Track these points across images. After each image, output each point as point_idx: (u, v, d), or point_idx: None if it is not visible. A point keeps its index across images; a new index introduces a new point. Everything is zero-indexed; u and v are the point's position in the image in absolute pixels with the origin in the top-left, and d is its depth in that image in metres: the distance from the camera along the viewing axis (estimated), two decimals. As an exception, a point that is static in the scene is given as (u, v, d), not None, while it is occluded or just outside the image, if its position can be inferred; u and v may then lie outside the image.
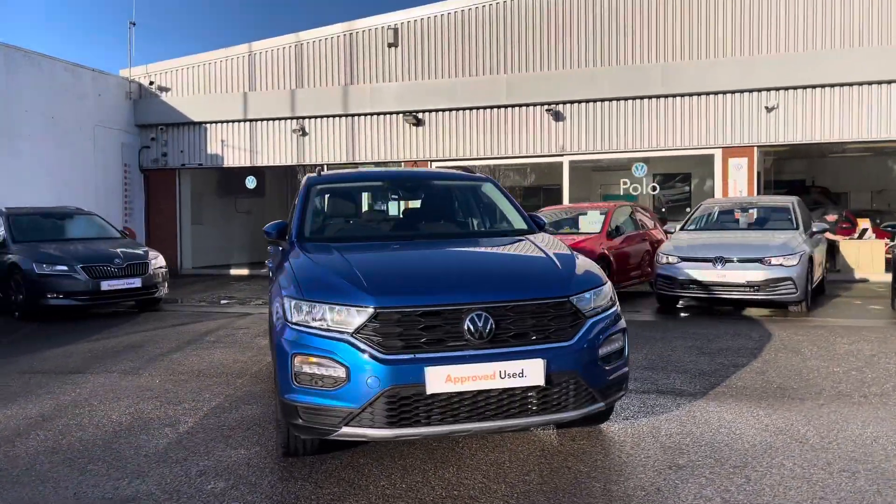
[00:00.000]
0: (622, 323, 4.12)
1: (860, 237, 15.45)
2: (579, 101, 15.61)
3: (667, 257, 10.04)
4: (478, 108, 16.26)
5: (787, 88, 14.43)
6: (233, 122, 17.93)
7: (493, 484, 3.73)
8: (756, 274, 9.34)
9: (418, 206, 5.94)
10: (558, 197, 16.46)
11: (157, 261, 11.28)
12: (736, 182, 14.81)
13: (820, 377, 5.91)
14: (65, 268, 10.26)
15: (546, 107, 15.72)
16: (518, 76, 15.98)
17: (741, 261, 9.47)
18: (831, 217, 16.30)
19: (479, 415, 3.61)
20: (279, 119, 17.59)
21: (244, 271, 18.58)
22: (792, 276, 9.26)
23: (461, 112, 16.38)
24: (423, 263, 4.34)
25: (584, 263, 4.29)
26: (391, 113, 16.79)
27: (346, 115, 17.12)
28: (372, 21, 17.03)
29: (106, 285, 10.42)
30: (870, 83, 14.04)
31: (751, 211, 11.26)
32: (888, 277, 13.97)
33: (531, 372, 3.60)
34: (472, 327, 3.61)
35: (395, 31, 16.75)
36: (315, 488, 3.70)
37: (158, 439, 4.60)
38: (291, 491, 3.68)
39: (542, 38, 15.95)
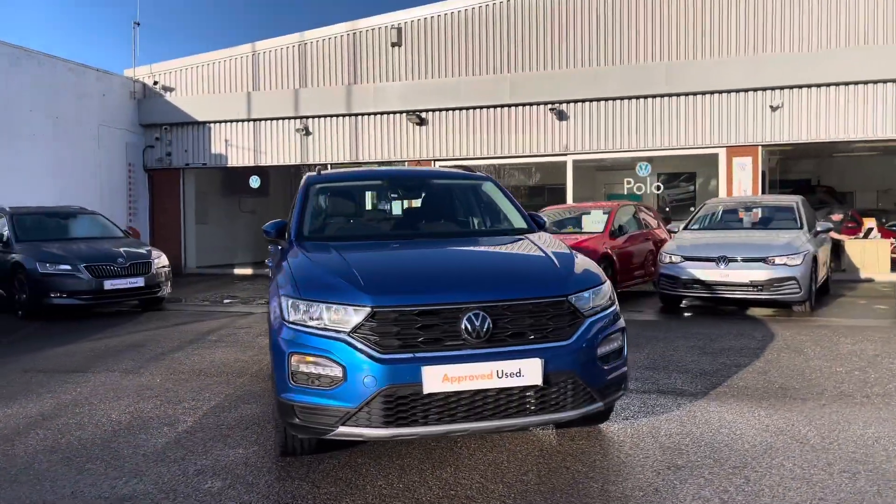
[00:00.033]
0: (621, 322, 4.10)
1: (865, 236, 15.38)
2: (583, 101, 15.57)
3: (670, 257, 10.00)
4: (481, 108, 16.23)
5: (791, 87, 14.36)
6: (237, 121, 17.95)
7: (491, 484, 3.71)
8: (759, 274, 9.30)
9: (418, 205, 5.92)
10: (563, 196, 16.42)
11: (160, 260, 11.30)
12: (740, 181, 14.75)
13: (822, 377, 5.87)
14: (68, 267, 10.28)
15: (550, 106, 15.69)
16: (521, 75, 15.95)
17: (745, 260, 9.43)
18: (836, 216, 16.25)
19: (477, 415, 3.60)
20: (283, 119, 17.61)
21: (248, 271, 18.60)
22: (796, 276, 9.21)
23: (465, 111, 16.36)
24: (421, 262, 4.33)
25: (582, 262, 4.27)
26: (395, 112, 16.78)
27: (350, 115, 17.12)
28: (375, 20, 17.02)
29: (109, 285, 10.44)
30: (875, 82, 13.96)
31: (755, 210, 11.20)
32: (893, 277, 13.97)
33: (529, 371, 3.58)
34: (469, 326, 3.59)
35: (399, 30, 16.74)
36: (312, 488, 3.69)
37: (157, 438, 4.60)
38: (288, 490, 3.67)
39: (545, 37, 15.92)
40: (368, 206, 6.20)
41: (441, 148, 16.57)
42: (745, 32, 14.80)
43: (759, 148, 14.71)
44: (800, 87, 14.32)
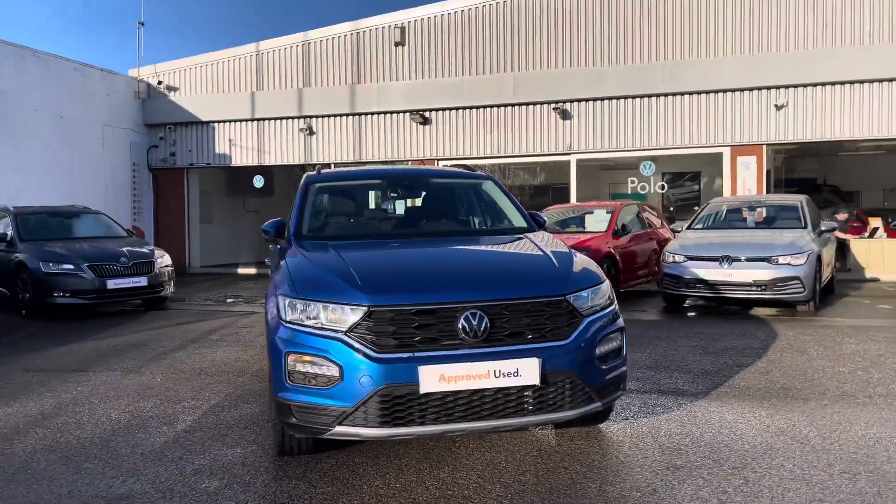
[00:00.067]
0: (620, 322, 4.08)
1: (871, 236, 15.30)
2: (586, 100, 15.53)
3: (673, 256, 9.96)
4: (484, 107, 16.21)
5: (796, 86, 14.29)
6: (240, 121, 17.97)
7: (488, 484, 3.69)
8: (763, 273, 9.26)
9: (417, 204, 5.91)
10: (567, 196, 16.38)
11: (163, 259, 11.31)
12: (745, 180, 14.69)
13: (825, 377, 5.83)
14: (71, 266, 10.30)
15: (553, 105, 15.65)
16: (525, 74, 15.92)
17: (748, 260, 9.39)
18: (842, 216, 16.14)
19: (474, 414, 3.58)
20: (287, 118, 17.62)
21: (251, 270, 18.62)
22: (799, 276, 9.16)
23: (468, 111, 16.34)
24: (419, 262, 4.31)
25: (581, 261, 4.25)
26: (398, 112, 16.77)
27: (353, 115, 17.12)
28: (379, 20, 17.02)
29: (112, 284, 10.46)
30: (881, 80, 13.88)
31: (759, 210, 11.15)
32: (899, 277, 13.88)
33: (526, 371, 3.56)
34: (466, 326, 3.58)
35: (402, 29, 16.73)
36: (309, 487, 3.68)
37: (156, 437, 4.59)
38: (285, 490, 3.66)
39: (548, 36, 15.88)
40: (368, 206, 6.18)
41: (444, 147, 16.56)
42: (749, 31, 14.73)
43: (764, 147, 14.65)
44: (804, 85, 14.25)
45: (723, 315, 9.63)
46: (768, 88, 14.44)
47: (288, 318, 3.76)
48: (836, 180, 20.88)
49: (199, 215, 19.16)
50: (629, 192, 16.67)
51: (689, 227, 11.12)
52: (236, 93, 18.00)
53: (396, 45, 16.81)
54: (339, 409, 3.55)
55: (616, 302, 4.17)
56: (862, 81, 13.96)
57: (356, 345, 3.56)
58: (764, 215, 11.05)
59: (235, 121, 18.00)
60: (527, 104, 15.93)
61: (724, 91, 14.71)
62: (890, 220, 17.49)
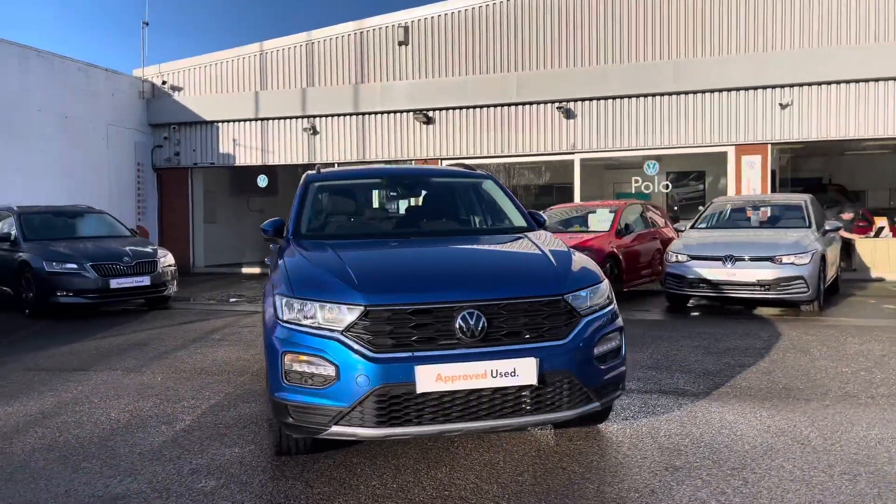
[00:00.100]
0: (619, 321, 4.05)
1: (877, 235, 15.22)
2: (590, 99, 15.50)
3: (676, 256, 9.92)
4: (488, 106, 16.19)
5: (801, 85, 14.23)
6: (244, 120, 18.00)
7: (486, 484, 3.68)
8: (767, 273, 9.21)
9: (416, 203, 5.89)
10: (571, 195, 16.35)
11: (166, 259, 11.33)
12: (749, 180, 14.63)
13: (827, 377, 5.80)
14: (74, 266, 10.32)
15: (557, 104, 15.63)
16: (528, 74, 15.89)
17: (752, 259, 9.34)
18: (847, 215, 16.07)
19: (472, 414, 3.56)
20: (290, 118, 17.64)
21: (255, 270, 18.63)
22: (803, 275, 9.11)
23: (471, 110, 16.32)
24: (416, 261, 4.30)
25: (580, 260, 4.22)
26: (401, 111, 16.76)
27: (357, 114, 17.12)
28: (382, 20, 17.02)
29: (115, 283, 10.48)
30: (886, 79, 13.81)
31: (763, 209, 11.10)
32: (904, 276, 13.80)
33: (523, 371, 3.54)
34: (463, 325, 3.56)
35: (406, 29, 16.72)
36: (305, 487, 3.67)
37: (154, 437, 4.59)
38: (281, 490, 3.65)
39: (552, 35, 15.85)
40: (367, 205, 6.17)
41: (448, 147, 16.54)
42: (753, 29, 14.67)
43: (769, 146, 14.59)
44: (809, 84, 14.19)
45: (726, 315, 9.59)
46: (773, 87, 14.38)
47: (285, 318, 3.75)
48: (841, 180, 20.78)
49: (203, 215, 19.20)
50: (633, 192, 16.62)
51: (692, 227, 11.07)
52: (240, 92, 18.03)
53: (400, 44, 16.80)
54: (335, 409, 3.54)
55: (615, 301, 4.14)
56: (867, 80, 13.89)
57: (353, 344, 3.54)
58: (768, 214, 11.00)
59: (239, 120, 18.03)
60: (530, 103, 15.90)
61: (729, 90, 14.65)
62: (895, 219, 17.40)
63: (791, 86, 14.26)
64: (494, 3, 16.17)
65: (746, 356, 6.69)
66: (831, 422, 4.59)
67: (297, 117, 17.55)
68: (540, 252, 4.31)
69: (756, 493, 3.48)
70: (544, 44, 15.90)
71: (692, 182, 19.84)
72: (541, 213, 5.47)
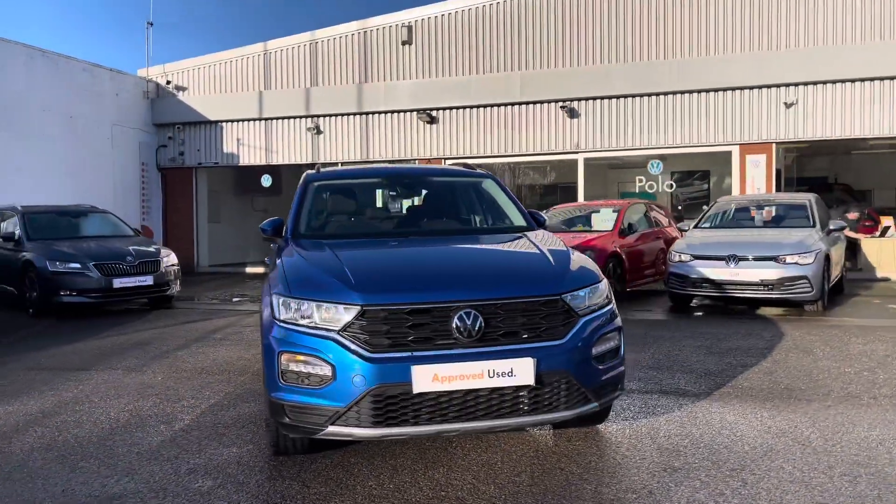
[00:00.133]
0: (618, 321, 4.03)
1: (882, 235, 15.14)
2: (594, 98, 15.46)
3: (679, 255, 9.88)
4: (492, 106, 16.17)
5: (806, 84, 14.16)
6: (248, 120, 18.02)
7: (483, 485, 3.66)
8: (770, 272, 9.17)
9: (415, 203, 5.88)
10: (575, 194, 16.31)
11: (169, 259, 11.35)
12: (754, 179, 14.57)
13: (830, 378, 5.76)
14: (78, 265, 10.35)
15: (560, 104, 15.59)
16: (532, 73, 15.86)
17: (755, 259, 9.30)
18: (853, 215, 15.98)
19: (469, 415, 3.55)
20: (294, 117, 17.65)
21: (259, 269, 18.63)
22: (807, 275, 9.07)
23: (475, 109, 16.30)
24: (414, 261, 4.28)
25: (579, 260, 4.21)
26: (405, 111, 16.75)
27: (361, 114, 17.12)
28: (386, 19, 17.01)
29: (118, 283, 10.50)
30: (892, 78, 13.73)
31: (767, 209, 11.04)
32: (910, 276, 13.72)
33: (521, 371, 3.52)
34: (460, 325, 3.54)
35: (409, 28, 16.71)
36: (302, 487, 3.66)
37: (153, 437, 4.59)
38: (278, 490, 3.65)
39: (555, 34, 15.82)
40: (366, 205, 6.15)
41: (451, 146, 16.53)
42: (757, 28, 14.61)
43: (774, 145, 14.52)
44: (814, 83, 14.12)
45: (729, 315, 9.55)
46: (777, 86, 14.32)
47: (282, 318, 3.74)
48: (847, 179, 20.68)
49: (207, 214, 19.22)
50: (637, 191, 16.57)
51: (696, 226, 11.04)
52: (244, 92, 18.05)
53: (403, 44, 16.80)
54: (331, 409, 3.53)
55: (614, 301, 4.12)
56: (873, 79, 13.81)
57: (349, 344, 3.53)
58: (772, 214, 10.95)
59: (243, 120, 18.05)
60: (534, 103, 15.87)
61: (733, 89, 14.59)
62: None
63: (796, 85, 14.19)
64: (498, 3, 16.15)
65: (749, 356, 6.65)
66: (833, 422, 4.55)
67: (300, 117, 17.56)
68: (538, 251, 4.29)
69: (755, 494, 3.46)
70: (548, 43, 15.87)
71: (696, 181, 19.78)
72: (541, 212, 5.45)
